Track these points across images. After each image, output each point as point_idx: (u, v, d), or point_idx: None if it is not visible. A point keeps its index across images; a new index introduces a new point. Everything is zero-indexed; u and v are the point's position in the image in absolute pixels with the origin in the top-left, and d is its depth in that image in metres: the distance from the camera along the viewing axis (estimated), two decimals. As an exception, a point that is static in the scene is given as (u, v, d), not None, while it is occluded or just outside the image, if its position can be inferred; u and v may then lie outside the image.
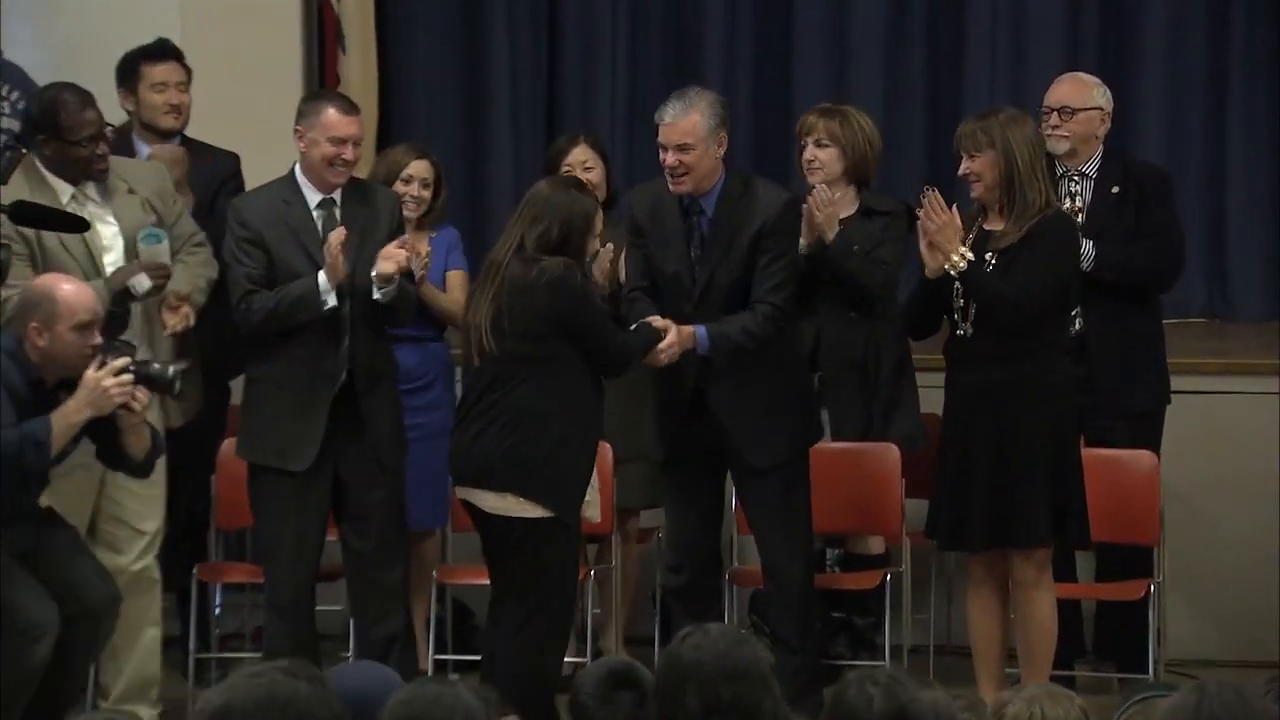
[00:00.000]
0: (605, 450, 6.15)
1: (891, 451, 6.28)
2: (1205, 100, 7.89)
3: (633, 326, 5.79)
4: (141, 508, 5.93)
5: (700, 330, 5.78)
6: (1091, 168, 6.43)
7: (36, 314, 5.38)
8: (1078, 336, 6.26)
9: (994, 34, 7.91)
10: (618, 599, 6.43)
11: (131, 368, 5.36)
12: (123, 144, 6.34)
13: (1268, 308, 7.79)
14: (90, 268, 5.83)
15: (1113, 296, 6.27)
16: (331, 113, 5.89)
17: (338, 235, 5.82)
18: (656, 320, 5.77)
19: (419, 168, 6.44)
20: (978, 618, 5.80)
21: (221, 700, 3.20)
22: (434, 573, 6.39)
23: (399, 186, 6.34)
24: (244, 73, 7.28)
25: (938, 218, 5.63)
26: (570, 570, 5.67)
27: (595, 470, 5.70)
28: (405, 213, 6.22)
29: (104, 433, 5.47)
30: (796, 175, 6.50)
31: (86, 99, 5.91)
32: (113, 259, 5.89)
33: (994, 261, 5.67)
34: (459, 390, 6.57)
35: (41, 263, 5.80)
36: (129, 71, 6.58)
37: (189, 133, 6.59)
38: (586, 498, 5.64)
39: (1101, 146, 6.42)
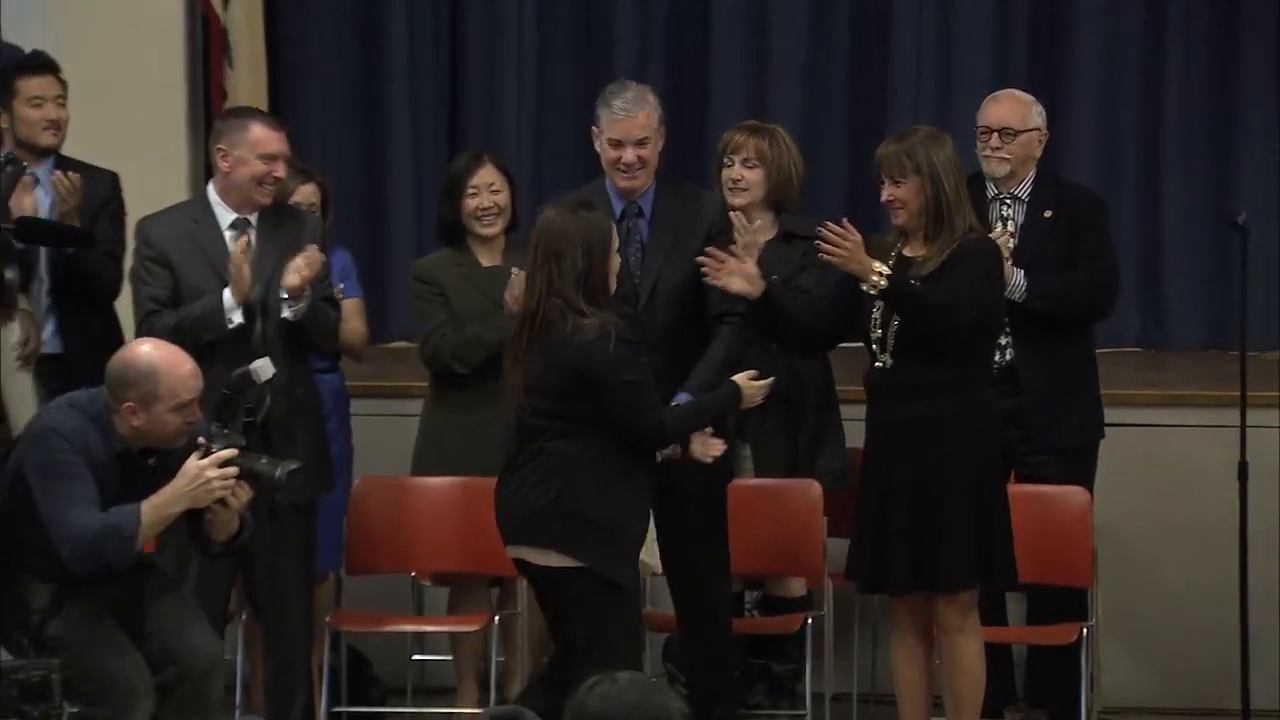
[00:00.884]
0: None
1: (813, 488, 6.20)
2: (1139, 121, 7.88)
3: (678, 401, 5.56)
4: None
5: (682, 397, 5.65)
6: (1024, 190, 6.35)
7: (132, 393, 5.07)
8: (1008, 367, 6.20)
9: (919, 47, 7.89)
10: (524, 645, 6.33)
11: (238, 460, 5.08)
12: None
13: (1205, 336, 7.76)
14: None
15: (1044, 325, 6.20)
16: (259, 129, 5.86)
17: (240, 245, 5.76)
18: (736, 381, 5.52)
19: (305, 192, 6.34)
20: (902, 664, 5.72)
21: None
22: (327, 619, 6.27)
23: None
24: (122, 86, 7.14)
25: (843, 243, 5.50)
26: (632, 628, 5.47)
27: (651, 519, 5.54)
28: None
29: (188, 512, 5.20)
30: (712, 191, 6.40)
31: None
32: None
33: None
34: (354, 425, 6.45)
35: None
36: (2, 86, 6.41)
37: (64, 150, 6.43)
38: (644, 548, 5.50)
39: (1034, 169, 6.35)
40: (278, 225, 5.91)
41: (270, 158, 5.83)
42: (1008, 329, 6.08)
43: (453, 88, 7.97)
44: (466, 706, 6.35)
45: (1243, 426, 6.02)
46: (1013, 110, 6.33)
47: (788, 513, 6.16)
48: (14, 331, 6.10)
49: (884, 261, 5.53)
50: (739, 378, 5.54)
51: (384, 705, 6.68)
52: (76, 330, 6.34)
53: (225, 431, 5.12)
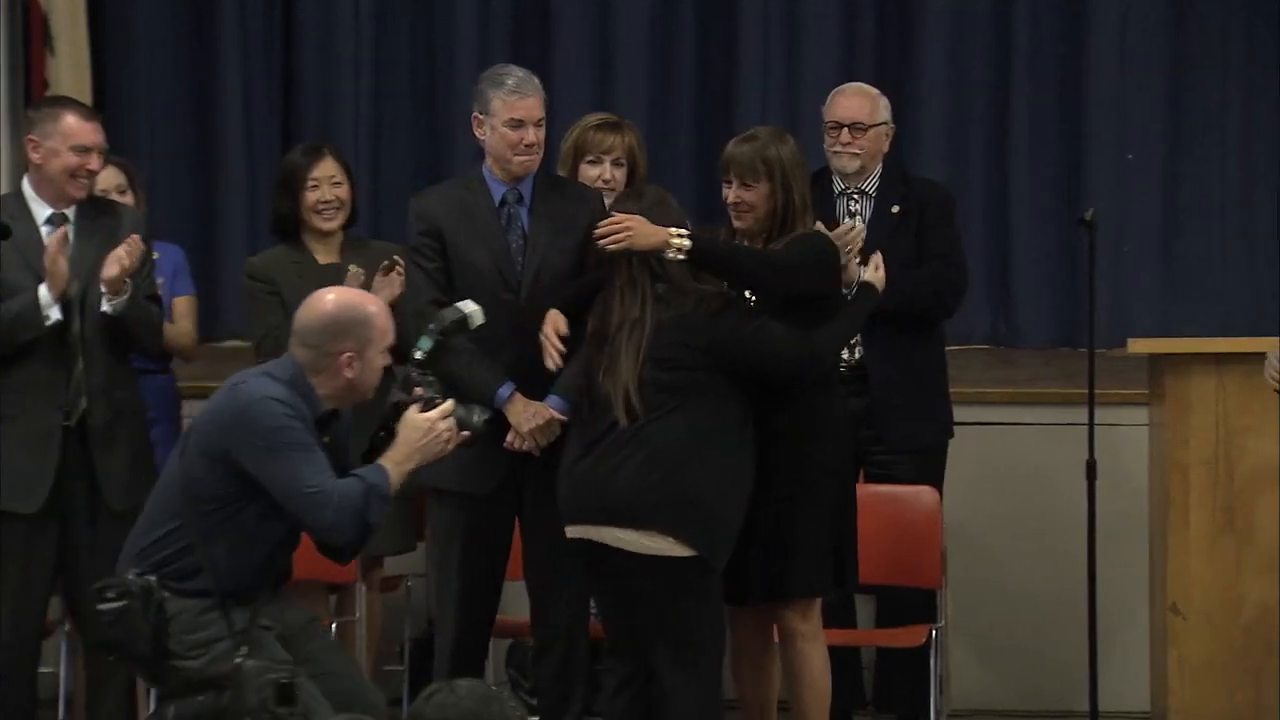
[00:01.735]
0: None
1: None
2: (987, 118, 7.96)
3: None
4: None
5: (553, 400, 5.61)
6: (871, 186, 6.38)
7: (350, 341, 4.87)
8: (857, 365, 6.23)
9: (766, 41, 7.92)
10: (363, 653, 6.26)
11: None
12: None
13: (1054, 334, 7.86)
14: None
15: (893, 323, 6.22)
16: (71, 119, 5.74)
17: (56, 237, 5.65)
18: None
19: (106, 177, 6.13)
20: (746, 672, 5.69)
21: None
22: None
23: None
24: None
25: (621, 228, 5.42)
26: (724, 617, 5.47)
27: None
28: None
29: None
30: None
31: None
32: None
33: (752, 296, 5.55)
34: (185, 427, 6.38)
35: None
36: None
37: None
38: None
39: (881, 164, 6.39)
40: (96, 219, 5.81)
41: (83, 149, 5.72)
42: (856, 326, 6.12)
43: (286, 80, 7.92)
44: (303, 717, 6.32)
45: (1091, 425, 6.08)
46: (861, 104, 6.36)
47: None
48: None
49: None
50: (866, 274, 5.55)
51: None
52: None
53: (430, 379, 5.00)
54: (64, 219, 5.77)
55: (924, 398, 6.35)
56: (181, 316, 6.36)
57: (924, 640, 6.07)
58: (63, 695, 6.14)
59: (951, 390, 6.46)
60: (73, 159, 5.71)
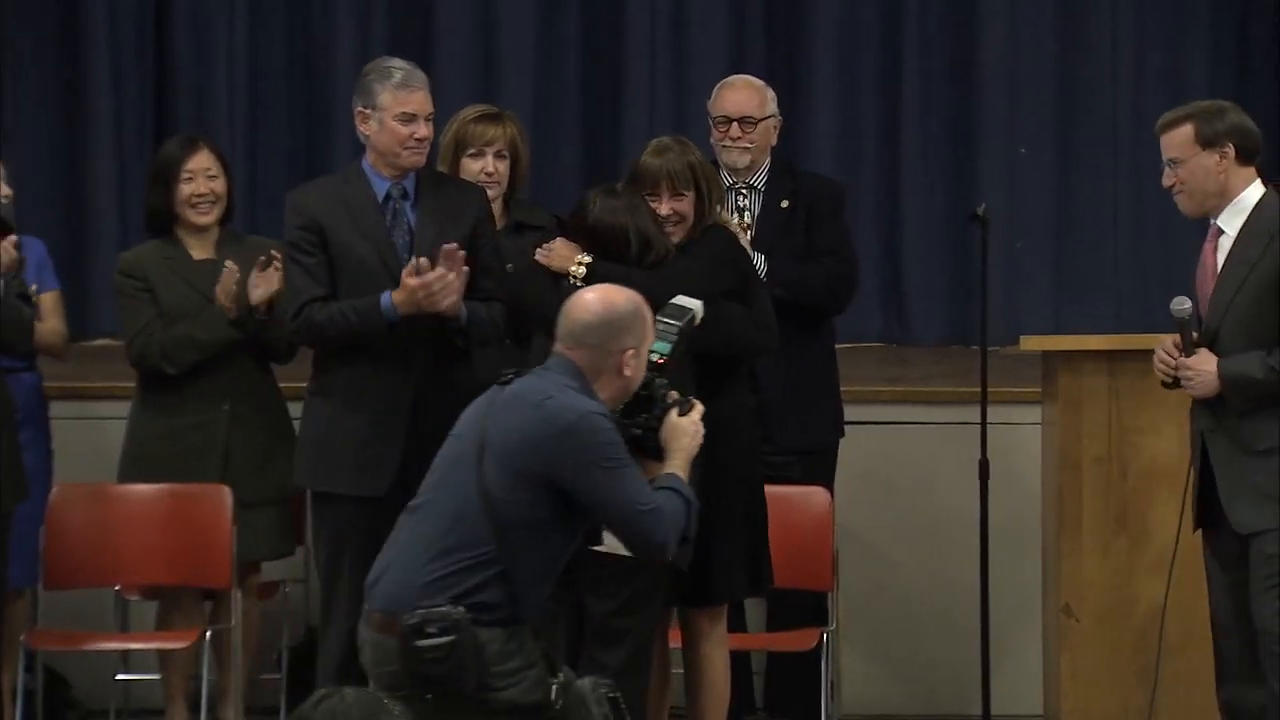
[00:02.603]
0: (225, 494, 6.03)
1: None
2: (877, 109, 8.01)
3: None
4: None
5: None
6: (760, 180, 6.40)
7: (631, 338, 4.68)
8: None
9: (654, 34, 7.93)
10: (237, 662, 6.22)
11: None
12: None
13: (946, 332, 7.92)
14: None
15: (783, 319, 6.24)
16: None
17: None
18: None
19: None
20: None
21: None
22: (22, 637, 6.13)
23: None
24: None
25: (546, 247, 5.49)
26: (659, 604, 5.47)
27: None
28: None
29: None
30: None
31: None
32: None
33: None
34: (53, 428, 6.32)
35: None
36: None
37: None
38: None
39: (769, 157, 6.42)
40: None
41: None
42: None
43: (158, 71, 7.85)
44: (175, 728, 6.26)
45: (983, 423, 6.12)
46: (750, 98, 6.36)
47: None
48: None
49: None
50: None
51: (85, 729, 6.58)
52: None
53: (665, 381, 4.87)
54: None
55: (815, 397, 6.36)
56: (49, 313, 6.27)
57: (815, 644, 6.08)
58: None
59: (842, 389, 6.48)
60: None
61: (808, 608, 6.26)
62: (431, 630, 4.47)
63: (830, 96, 7.97)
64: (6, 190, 6.17)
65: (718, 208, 5.70)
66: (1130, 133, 8.07)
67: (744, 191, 6.38)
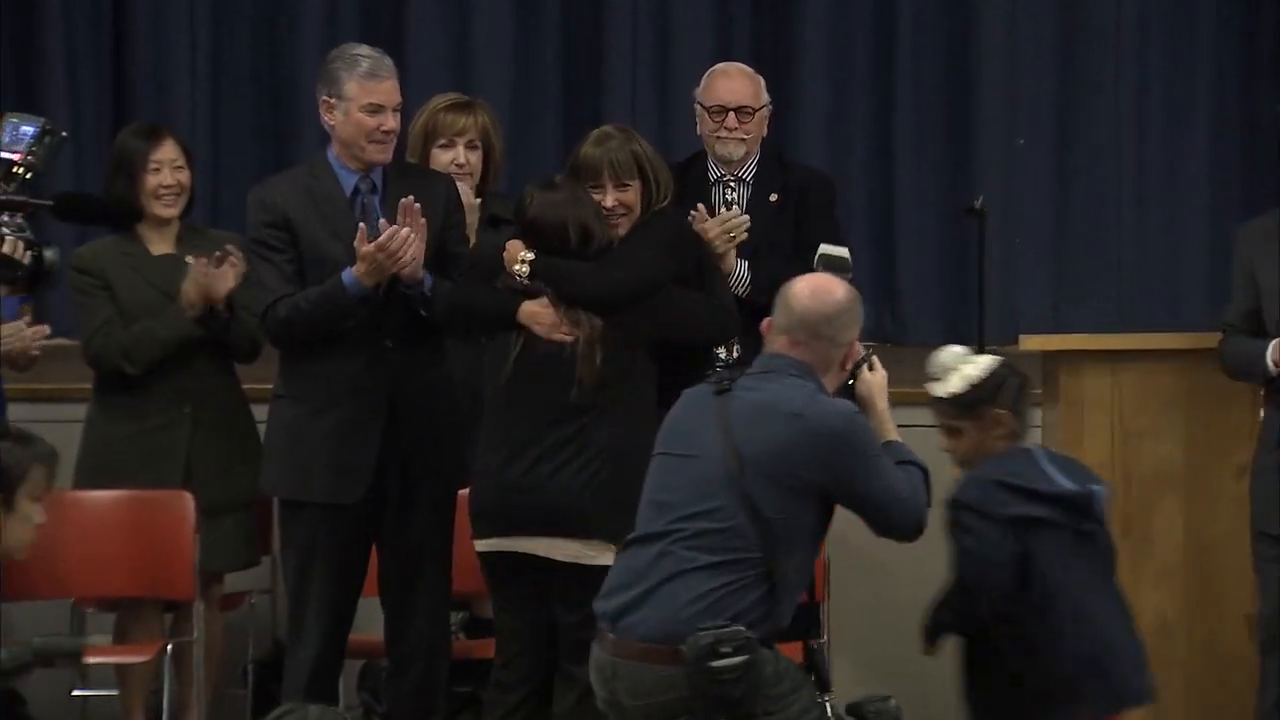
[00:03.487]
0: (187, 501, 6.00)
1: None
2: (871, 100, 7.97)
3: None
4: None
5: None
6: (749, 172, 6.31)
7: (856, 328, 4.88)
8: (736, 365, 6.17)
9: (635, 23, 7.89)
10: (200, 677, 6.18)
11: None
12: None
13: (944, 330, 7.88)
14: None
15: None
16: None
17: None
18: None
19: None
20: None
21: None
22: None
23: None
24: None
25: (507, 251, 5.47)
26: None
27: None
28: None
29: None
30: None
31: None
32: None
33: None
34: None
35: None
36: None
37: None
38: None
39: (759, 148, 6.34)
40: None
41: None
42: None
43: (117, 63, 7.81)
44: (135, 744, 6.20)
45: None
46: (746, 87, 6.26)
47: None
48: None
49: None
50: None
51: (41, 747, 6.51)
52: None
53: None
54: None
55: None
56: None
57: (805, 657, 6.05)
58: None
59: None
60: None
61: (797, 618, 6.18)
62: (725, 650, 4.49)
63: (820, 84, 7.92)
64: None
65: (711, 207, 5.67)
66: (1134, 122, 8.03)
67: (732, 184, 6.29)
